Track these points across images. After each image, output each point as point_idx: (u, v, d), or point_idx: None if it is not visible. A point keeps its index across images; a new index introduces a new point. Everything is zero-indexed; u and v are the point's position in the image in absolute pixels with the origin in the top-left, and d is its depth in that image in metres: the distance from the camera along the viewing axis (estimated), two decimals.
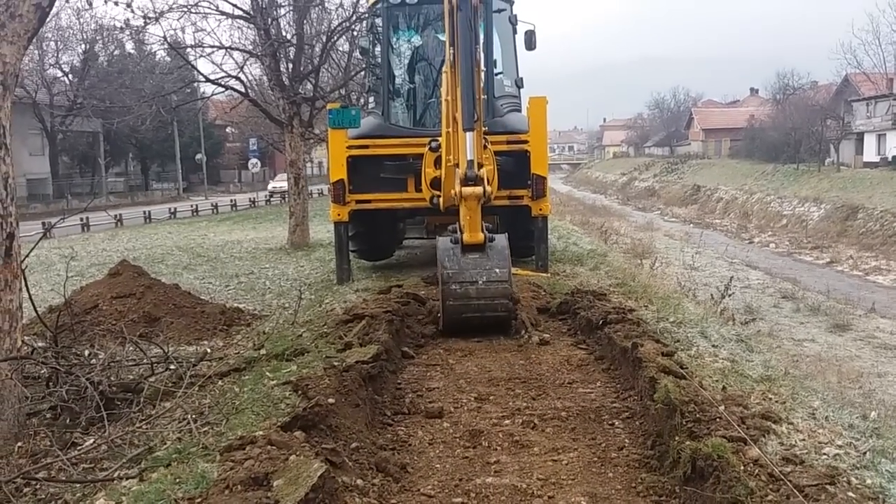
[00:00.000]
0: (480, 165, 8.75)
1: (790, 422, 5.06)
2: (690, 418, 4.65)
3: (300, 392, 5.50)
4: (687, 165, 73.56)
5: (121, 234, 25.29)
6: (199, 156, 58.33)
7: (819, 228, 37.00)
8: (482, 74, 9.57)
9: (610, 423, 5.48)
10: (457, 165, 8.43)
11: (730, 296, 14.02)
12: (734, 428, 4.50)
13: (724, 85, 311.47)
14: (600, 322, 7.62)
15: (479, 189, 7.96)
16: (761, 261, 30.04)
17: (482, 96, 9.53)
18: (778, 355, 8.71)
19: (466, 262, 7.99)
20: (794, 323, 18.07)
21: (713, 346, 7.32)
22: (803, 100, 62.97)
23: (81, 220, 28.38)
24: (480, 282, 7.93)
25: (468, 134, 8.07)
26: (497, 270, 7.92)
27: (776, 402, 5.56)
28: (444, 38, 12.75)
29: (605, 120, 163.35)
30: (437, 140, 10.17)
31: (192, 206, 40.67)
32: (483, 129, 10.22)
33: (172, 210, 37.37)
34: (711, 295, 13.83)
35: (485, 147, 10.73)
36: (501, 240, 8.33)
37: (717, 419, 4.65)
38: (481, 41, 9.22)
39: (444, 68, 9.67)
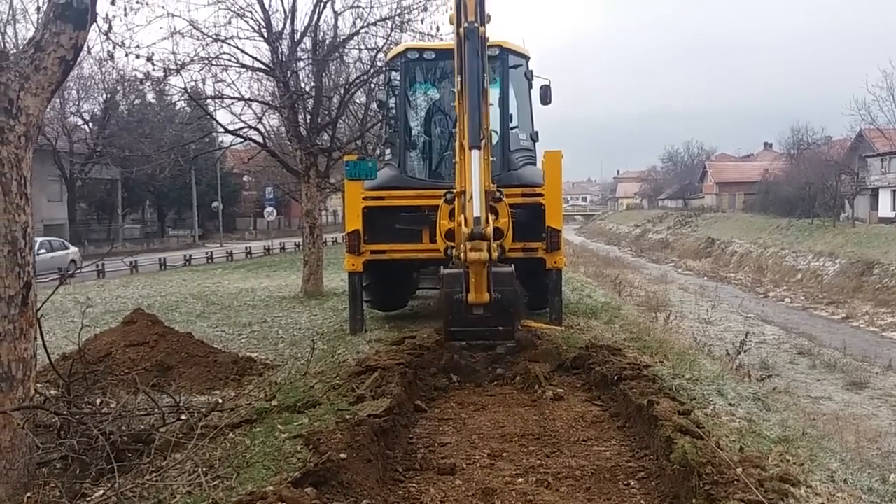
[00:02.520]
0: (494, 211, 8.38)
1: (808, 485, 4.97)
2: (708, 480, 4.57)
3: (312, 446, 5.46)
4: (701, 218, 73.53)
5: (136, 281, 25.43)
6: (215, 203, 58.84)
7: (834, 284, 36.74)
8: (489, 107, 9.42)
9: (625, 483, 5.39)
10: (463, 193, 8.11)
11: (745, 352, 13.88)
12: (752, 491, 4.42)
13: (738, 139, 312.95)
14: (615, 378, 7.55)
15: (484, 254, 7.65)
16: (776, 316, 29.79)
17: (487, 124, 9.48)
18: (795, 414, 8.58)
19: (471, 318, 7.80)
20: (810, 380, 17.84)
21: (730, 404, 7.23)
22: (817, 154, 63.06)
23: (97, 266, 28.56)
24: (495, 336, 7.89)
25: (475, 152, 7.75)
26: (500, 328, 7.76)
27: (794, 463, 5.46)
28: None
29: (618, 172, 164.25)
30: (453, 192, 10.22)
31: (207, 253, 40.88)
32: (493, 182, 10.25)
33: (188, 257, 37.58)
34: (727, 350, 13.70)
35: (500, 200, 10.80)
36: (508, 294, 8.04)
37: (735, 482, 4.57)
38: (486, 68, 8.99)
39: (454, 102, 9.66)
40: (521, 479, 5.44)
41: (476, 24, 7.74)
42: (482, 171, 8.06)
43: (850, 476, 5.38)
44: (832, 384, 17.49)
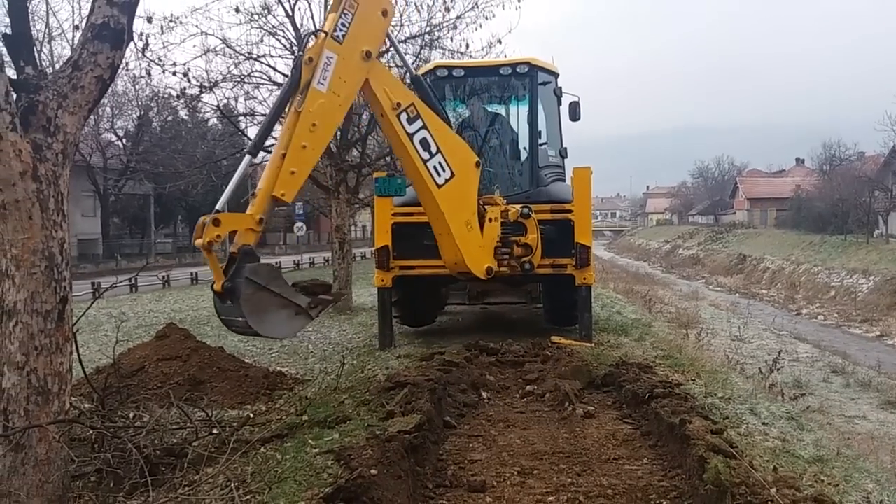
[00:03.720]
0: (523, 228, 8.19)
1: None
2: (741, 501, 4.53)
3: (342, 462, 5.48)
4: (732, 234, 72.79)
5: (168, 296, 25.67)
6: None
7: (868, 301, 36.18)
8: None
9: (658, 502, 5.35)
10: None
11: (778, 370, 13.71)
12: None
13: (769, 154, 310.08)
14: (646, 396, 7.49)
15: (201, 240, 6.89)
16: (809, 333, 29.37)
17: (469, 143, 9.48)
18: (829, 434, 8.46)
19: (227, 308, 7.27)
20: (844, 399, 17.53)
21: (763, 423, 7.15)
22: (850, 170, 62.31)
23: (130, 280, 28.82)
24: (237, 327, 7.38)
25: (247, 157, 7.59)
26: (241, 319, 7.16)
27: (829, 484, 5.40)
28: (490, 108, 12.99)
29: (648, 187, 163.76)
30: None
31: None
32: (503, 201, 10.66)
33: None
34: (760, 369, 13.54)
35: (528, 216, 10.83)
36: (236, 284, 7.12)
37: (769, 502, 4.51)
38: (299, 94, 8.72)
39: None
40: (551, 498, 5.41)
41: (300, 55, 7.96)
42: (268, 176, 7.61)
43: (886, 497, 5.30)
44: (867, 403, 17.18)
